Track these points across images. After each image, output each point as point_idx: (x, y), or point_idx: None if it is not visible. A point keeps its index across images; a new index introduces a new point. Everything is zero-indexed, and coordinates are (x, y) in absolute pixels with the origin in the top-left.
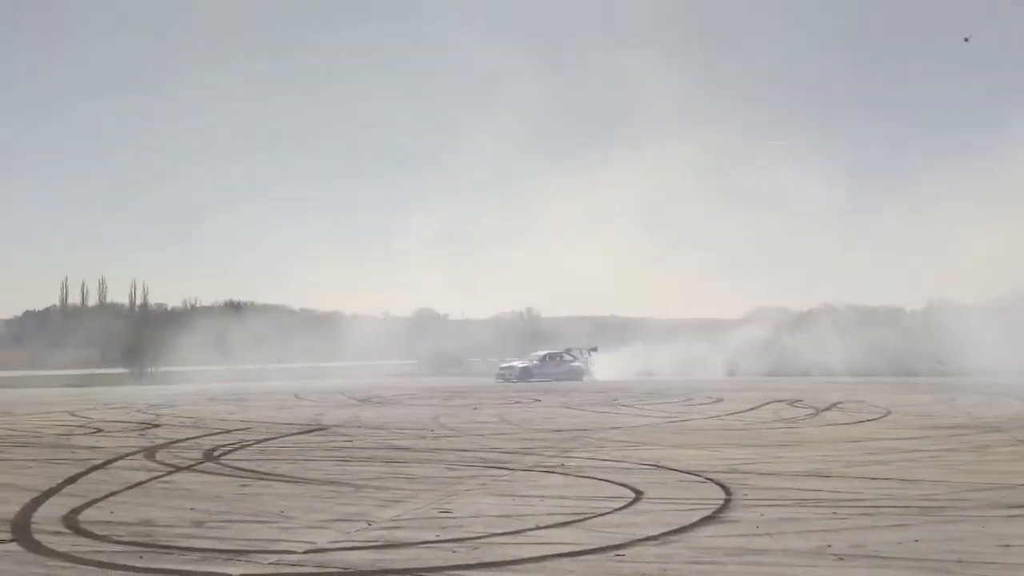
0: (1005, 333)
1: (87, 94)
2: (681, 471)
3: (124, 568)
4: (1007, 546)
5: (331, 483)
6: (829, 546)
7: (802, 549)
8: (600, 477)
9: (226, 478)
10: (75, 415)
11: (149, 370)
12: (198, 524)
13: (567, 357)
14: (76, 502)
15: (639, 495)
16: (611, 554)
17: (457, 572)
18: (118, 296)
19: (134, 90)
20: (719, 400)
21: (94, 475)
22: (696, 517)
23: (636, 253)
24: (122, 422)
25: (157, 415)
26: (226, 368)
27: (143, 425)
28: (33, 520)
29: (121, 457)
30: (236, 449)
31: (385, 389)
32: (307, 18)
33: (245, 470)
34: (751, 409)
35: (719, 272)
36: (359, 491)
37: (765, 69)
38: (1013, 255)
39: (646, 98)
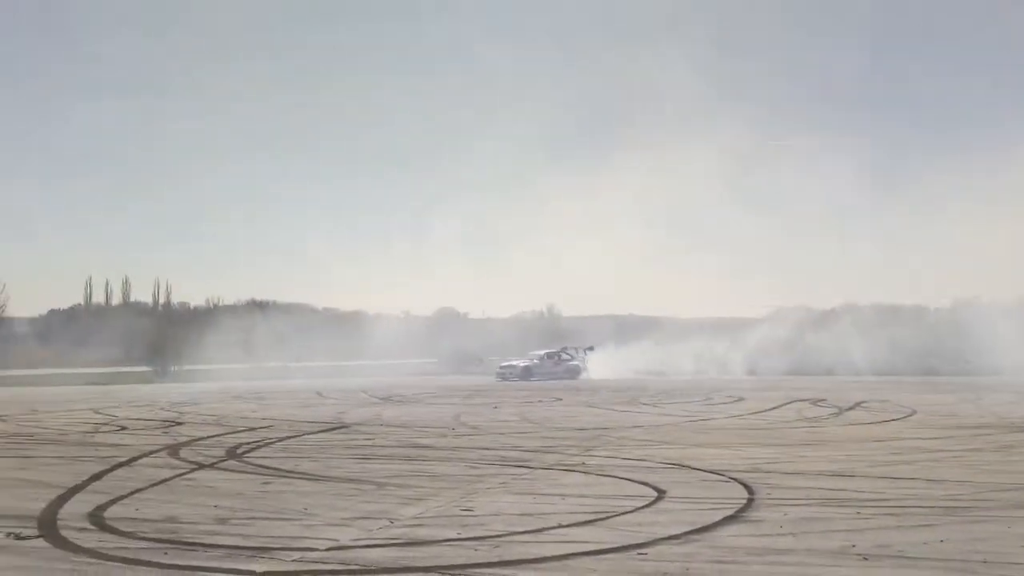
0: None
1: (87, 94)
2: (703, 470)
3: (149, 564)
4: None
5: (353, 481)
6: (853, 546)
7: (826, 549)
8: (622, 476)
9: (249, 476)
10: (99, 413)
11: (172, 368)
12: (222, 521)
13: (565, 356)
14: (101, 499)
15: (661, 494)
16: (633, 553)
17: (479, 570)
18: (142, 295)
19: (135, 90)
20: (740, 399)
21: (119, 472)
22: (719, 516)
23: (655, 252)
24: (146, 420)
25: (180, 413)
26: (249, 366)
27: (167, 423)
28: (59, 516)
29: (145, 455)
30: (259, 447)
31: (406, 388)
32: (307, 18)
33: (268, 468)
34: (773, 408)
35: (737, 272)
36: (381, 489)
37: (776, 68)
38: None
39: (662, 98)
